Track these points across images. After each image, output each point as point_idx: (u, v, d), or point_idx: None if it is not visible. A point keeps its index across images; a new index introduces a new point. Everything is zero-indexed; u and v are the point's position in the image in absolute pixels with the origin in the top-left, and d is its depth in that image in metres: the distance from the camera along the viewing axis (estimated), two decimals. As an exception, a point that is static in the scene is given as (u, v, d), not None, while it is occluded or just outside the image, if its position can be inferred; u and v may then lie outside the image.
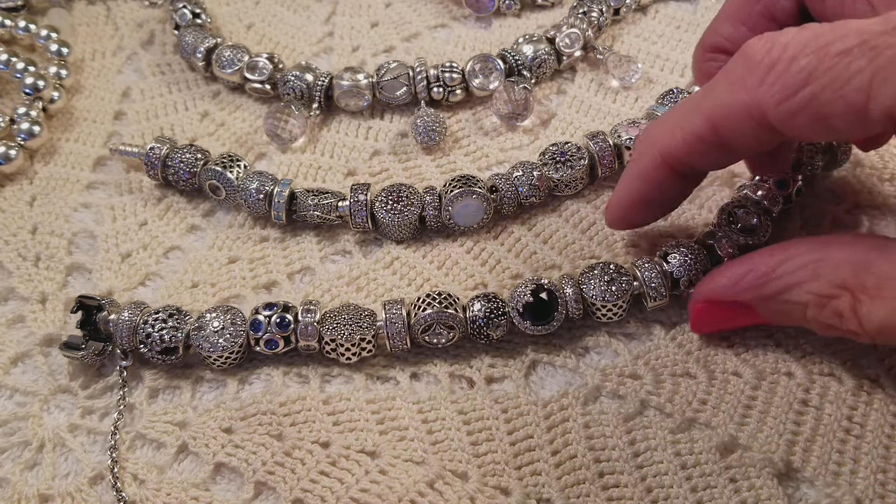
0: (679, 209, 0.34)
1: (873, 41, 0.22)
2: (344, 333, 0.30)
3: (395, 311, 0.30)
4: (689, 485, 0.28)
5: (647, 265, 0.30)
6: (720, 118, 0.25)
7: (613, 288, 0.30)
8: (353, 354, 0.31)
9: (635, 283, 0.30)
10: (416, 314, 0.30)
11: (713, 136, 0.26)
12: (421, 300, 0.30)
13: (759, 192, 0.32)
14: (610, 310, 0.30)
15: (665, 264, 0.31)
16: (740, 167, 0.35)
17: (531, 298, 0.30)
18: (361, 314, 0.30)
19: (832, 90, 0.22)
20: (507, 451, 0.29)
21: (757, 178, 0.33)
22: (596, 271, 0.31)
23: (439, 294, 0.31)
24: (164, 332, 0.31)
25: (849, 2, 0.27)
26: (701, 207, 0.34)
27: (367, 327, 0.30)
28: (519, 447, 0.29)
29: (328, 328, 0.30)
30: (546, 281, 0.30)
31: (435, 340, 0.30)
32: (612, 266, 0.31)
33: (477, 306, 0.30)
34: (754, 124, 0.24)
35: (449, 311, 0.30)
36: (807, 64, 0.23)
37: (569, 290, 0.30)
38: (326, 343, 0.30)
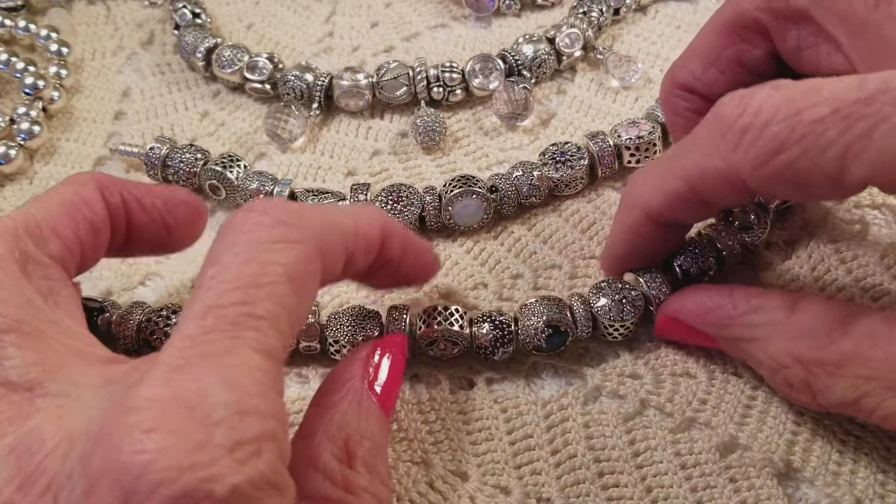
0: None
1: (846, 110, 0.21)
2: (347, 335, 0.30)
3: (397, 323, 0.30)
4: (689, 485, 0.28)
5: (651, 277, 0.30)
6: (698, 181, 0.25)
7: (625, 315, 0.30)
8: None
9: (643, 298, 0.30)
10: (421, 328, 0.30)
11: (693, 196, 0.26)
12: (427, 314, 0.30)
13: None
14: (620, 332, 0.30)
15: (675, 269, 0.31)
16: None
17: (544, 344, 0.30)
18: (366, 315, 0.30)
19: (806, 160, 0.22)
20: (507, 450, 0.29)
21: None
22: (604, 292, 0.30)
23: (445, 308, 0.30)
24: (168, 328, 0.31)
25: (825, 55, 0.26)
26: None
27: (371, 328, 0.30)
28: (518, 447, 0.29)
29: (332, 329, 0.30)
30: (561, 322, 0.30)
31: (438, 354, 0.30)
32: (622, 289, 0.30)
33: (485, 329, 0.30)
34: (732, 187, 0.24)
35: (454, 328, 0.30)
36: (779, 132, 0.22)
37: (581, 318, 0.30)
38: (331, 344, 0.30)
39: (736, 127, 0.23)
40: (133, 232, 0.27)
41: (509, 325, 0.30)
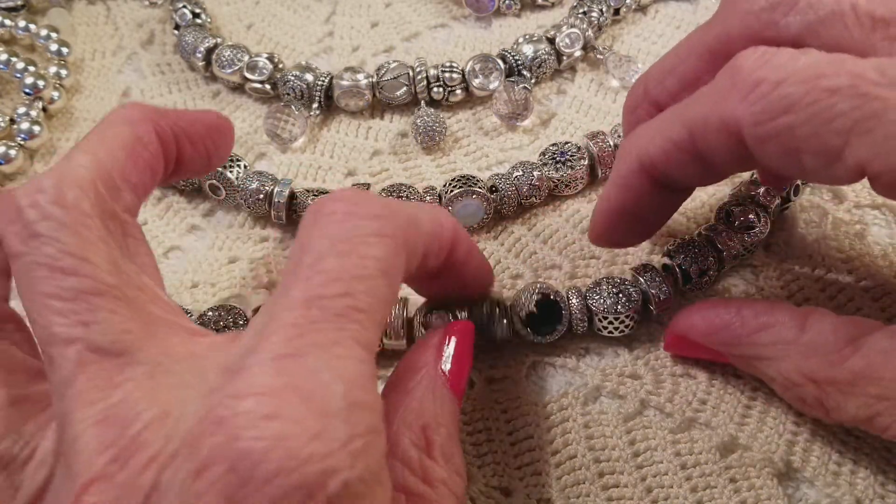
0: (679, 209, 0.34)
1: (864, 87, 0.21)
2: None
3: (395, 310, 0.30)
4: (689, 485, 0.28)
5: (648, 273, 0.30)
6: (699, 127, 0.24)
7: (619, 308, 0.30)
8: None
9: (641, 294, 0.30)
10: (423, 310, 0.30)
11: (690, 146, 0.25)
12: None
13: (755, 189, 0.32)
14: (616, 326, 0.30)
15: (670, 261, 0.31)
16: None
17: (535, 309, 0.30)
18: None
19: (811, 126, 0.21)
20: (508, 451, 0.29)
21: (755, 176, 0.33)
22: (602, 286, 0.30)
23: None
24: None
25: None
26: (702, 206, 0.34)
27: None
28: (519, 447, 0.29)
29: None
30: (552, 291, 0.30)
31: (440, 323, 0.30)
32: (618, 283, 0.30)
33: (480, 306, 0.30)
34: (730, 140, 0.23)
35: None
36: (792, 92, 0.22)
37: (574, 301, 0.30)
38: None
39: (750, 78, 0.22)
40: (179, 164, 0.26)
41: (504, 302, 0.30)
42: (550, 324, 0.30)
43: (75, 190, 0.21)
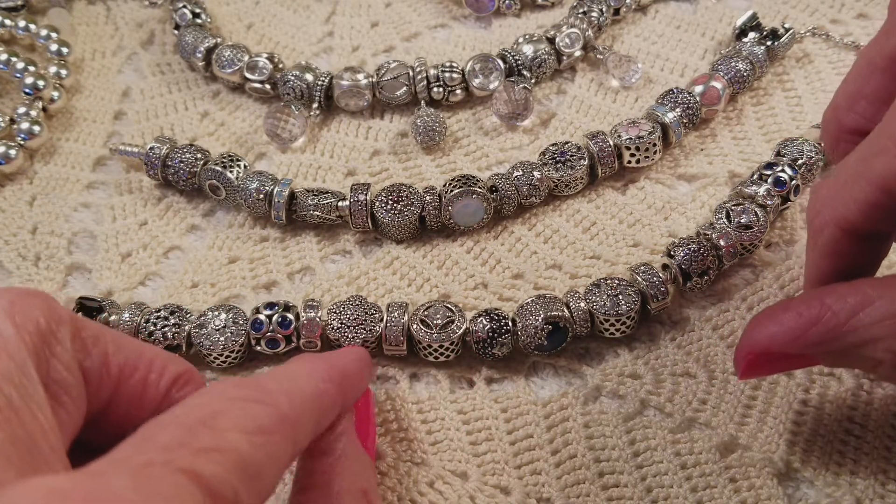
0: (678, 210, 0.34)
1: None
2: (348, 336, 0.30)
3: (395, 316, 0.30)
4: (689, 485, 0.28)
5: (647, 273, 0.31)
6: (893, 184, 0.22)
7: (620, 310, 0.30)
8: None
9: (640, 295, 0.30)
10: (418, 329, 0.30)
11: (889, 202, 0.23)
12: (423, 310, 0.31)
13: (755, 189, 0.32)
14: (617, 328, 0.30)
15: (670, 261, 0.31)
16: (741, 168, 0.35)
17: (545, 342, 0.30)
18: (368, 310, 0.31)
19: None
20: (507, 450, 0.29)
21: (754, 176, 0.33)
22: (602, 288, 0.30)
23: (445, 306, 0.31)
24: (167, 329, 0.31)
25: None
26: (702, 207, 0.34)
27: (370, 329, 0.30)
28: (519, 447, 0.29)
29: (333, 327, 0.30)
30: (560, 319, 0.30)
31: (434, 358, 0.30)
32: (617, 285, 0.30)
33: (481, 325, 0.30)
34: None
35: (450, 328, 0.30)
36: None
37: (577, 314, 0.30)
38: (333, 343, 0.30)
39: None
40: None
41: (505, 318, 0.30)
42: (555, 343, 0.30)
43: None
